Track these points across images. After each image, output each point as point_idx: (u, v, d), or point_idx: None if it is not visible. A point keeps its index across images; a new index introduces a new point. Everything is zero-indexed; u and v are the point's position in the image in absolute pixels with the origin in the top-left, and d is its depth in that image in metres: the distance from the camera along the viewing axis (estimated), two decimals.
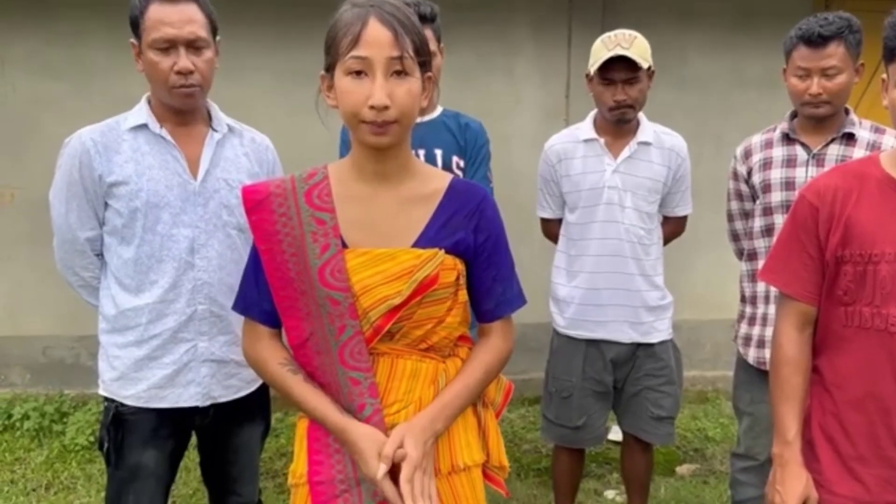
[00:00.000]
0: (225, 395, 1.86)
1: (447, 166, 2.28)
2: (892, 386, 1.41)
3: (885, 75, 1.46)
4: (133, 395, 1.78)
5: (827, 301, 1.53)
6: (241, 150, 1.87)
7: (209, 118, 1.86)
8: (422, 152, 2.26)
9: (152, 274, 1.75)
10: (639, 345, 2.46)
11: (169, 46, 1.67)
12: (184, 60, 1.67)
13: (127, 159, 1.73)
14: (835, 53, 2.07)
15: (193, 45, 1.69)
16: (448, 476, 1.41)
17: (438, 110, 2.37)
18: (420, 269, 1.32)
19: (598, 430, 2.56)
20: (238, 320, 1.80)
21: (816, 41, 2.07)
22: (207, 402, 1.83)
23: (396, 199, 1.37)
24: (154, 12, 1.66)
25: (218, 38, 1.80)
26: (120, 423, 1.79)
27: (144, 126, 1.76)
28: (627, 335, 2.44)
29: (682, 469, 3.29)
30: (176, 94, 1.71)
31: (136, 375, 1.78)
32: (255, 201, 1.36)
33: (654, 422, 2.50)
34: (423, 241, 1.35)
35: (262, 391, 1.95)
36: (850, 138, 2.16)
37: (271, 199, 1.35)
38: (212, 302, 1.79)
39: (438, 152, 2.29)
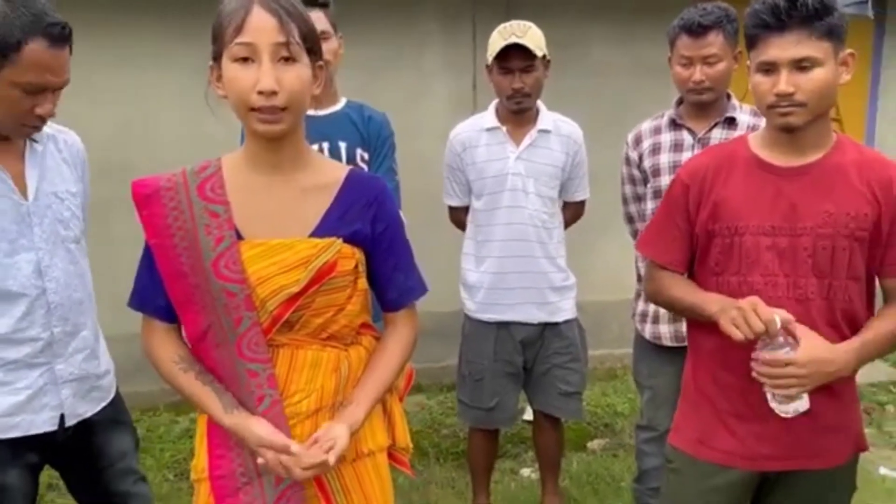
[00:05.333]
0: (90, 409, 1.77)
1: (351, 159, 2.30)
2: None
3: (748, 61, 1.58)
4: None
5: (701, 272, 1.65)
6: (60, 157, 1.75)
7: None
8: (325, 145, 2.27)
9: (2, 304, 1.61)
10: (546, 325, 2.55)
11: (40, 91, 1.54)
12: (50, 105, 1.57)
13: None
14: (714, 42, 2.20)
15: (59, 89, 1.58)
16: (353, 462, 1.44)
17: (342, 102, 2.37)
18: (317, 257, 1.33)
19: (510, 410, 2.65)
20: (92, 333, 1.77)
21: (697, 30, 2.20)
22: (73, 421, 1.73)
23: (293, 190, 1.37)
24: (37, 53, 1.49)
25: None
26: None
27: None
28: (535, 316, 2.54)
29: (594, 444, 3.43)
30: (23, 131, 1.61)
31: None
32: (144, 196, 1.34)
33: (563, 398, 2.60)
34: (321, 232, 1.36)
35: (118, 396, 1.88)
36: (731, 122, 2.30)
37: (161, 194, 1.34)
38: (65, 322, 1.69)
39: (342, 145, 2.30)
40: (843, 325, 1.55)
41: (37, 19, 1.48)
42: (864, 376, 3.95)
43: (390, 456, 1.55)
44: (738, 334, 1.46)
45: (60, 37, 1.52)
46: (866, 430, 3.56)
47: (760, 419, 1.58)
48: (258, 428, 1.32)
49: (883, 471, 3.19)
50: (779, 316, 1.45)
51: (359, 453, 1.45)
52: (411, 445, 1.60)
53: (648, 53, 3.91)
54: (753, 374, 1.50)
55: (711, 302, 1.56)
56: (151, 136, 3.65)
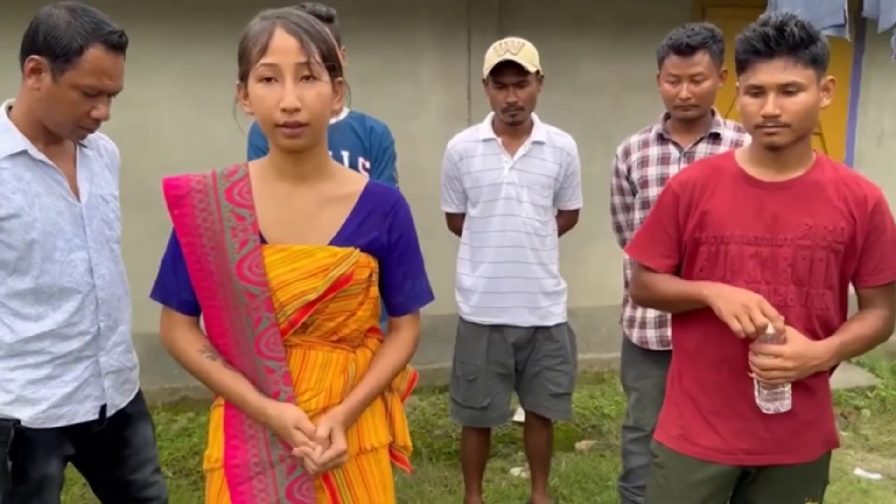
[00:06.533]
0: (124, 401, 1.87)
1: (353, 167, 2.39)
2: (741, 350, 1.63)
3: (738, 83, 1.69)
4: (30, 417, 1.71)
5: (687, 277, 1.76)
6: (102, 163, 1.86)
7: None
8: (329, 154, 2.36)
9: (55, 301, 1.70)
10: (537, 328, 2.66)
11: (98, 94, 1.65)
12: (105, 109, 1.68)
13: (14, 190, 1.63)
14: (701, 61, 2.31)
15: (113, 94, 1.70)
16: (356, 457, 1.52)
17: (345, 112, 2.45)
18: (336, 266, 1.41)
19: (502, 409, 2.74)
20: (128, 328, 1.86)
21: (685, 50, 2.31)
22: (112, 412, 1.82)
23: (315, 199, 1.45)
24: (97, 57, 1.61)
25: None
26: (22, 442, 1.70)
27: (23, 152, 1.66)
28: (527, 319, 2.64)
29: (582, 445, 3.54)
30: (78, 133, 1.71)
31: (33, 397, 1.71)
32: (177, 196, 1.42)
33: (553, 399, 2.71)
34: (340, 240, 1.45)
35: (140, 389, 1.96)
36: (716, 137, 2.42)
37: (192, 195, 1.42)
38: (108, 317, 1.79)
39: (345, 154, 2.40)
40: (819, 330, 1.67)
41: (97, 27, 1.60)
42: (842, 381, 4.14)
43: (391, 454, 1.63)
44: (736, 325, 1.55)
45: (118, 44, 1.64)
46: (844, 434, 3.74)
47: (740, 417, 1.69)
48: (294, 409, 1.41)
49: (858, 472, 3.32)
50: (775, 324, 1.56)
51: (362, 449, 1.53)
52: (411, 445, 1.68)
53: (636, 69, 4.03)
54: (749, 362, 1.60)
55: (703, 286, 1.66)
56: (156, 138, 3.73)
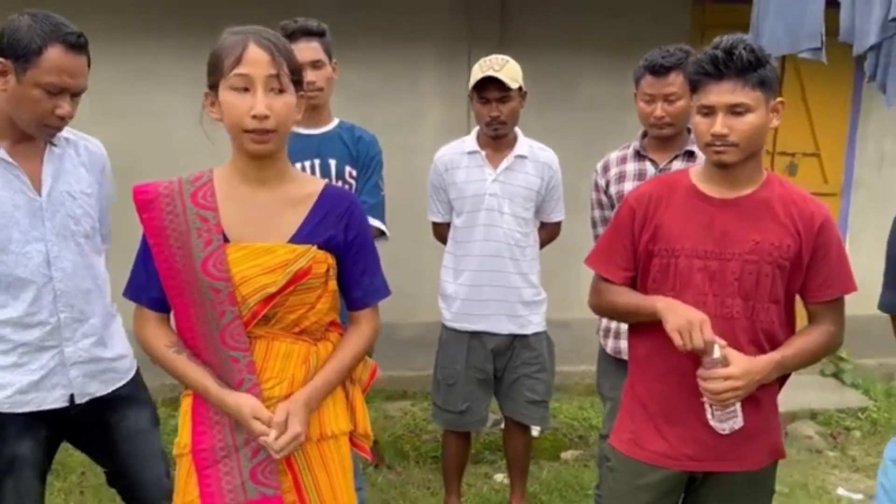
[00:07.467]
0: (102, 389, 1.92)
1: (340, 175, 2.49)
2: (687, 361, 1.70)
3: (691, 102, 1.77)
4: None
5: (641, 289, 1.83)
6: (78, 161, 1.93)
7: None
8: (317, 161, 2.47)
9: (13, 290, 1.78)
10: (515, 336, 2.74)
11: (60, 92, 1.73)
12: (68, 107, 1.76)
13: None
14: (675, 82, 2.39)
15: (77, 94, 1.77)
16: (317, 443, 1.62)
17: (334, 122, 2.56)
18: (294, 262, 1.52)
19: (479, 414, 2.83)
20: (101, 321, 1.94)
21: (659, 71, 2.39)
22: (83, 400, 1.88)
23: (275, 201, 1.57)
24: (56, 56, 1.70)
25: None
26: None
27: None
28: (506, 327, 2.72)
29: (567, 454, 3.60)
30: (45, 131, 1.79)
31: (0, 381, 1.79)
32: (146, 201, 1.54)
33: (530, 405, 2.78)
34: (299, 238, 1.56)
35: (137, 378, 2.04)
36: (691, 155, 2.49)
37: (160, 199, 1.54)
38: (71, 309, 1.85)
39: (332, 162, 2.49)
40: (764, 343, 1.73)
41: (56, 28, 1.71)
42: (834, 402, 4.15)
43: (352, 442, 1.72)
44: (678, 340, 1.63)
45: (77, 44, 1.73)
46: (831, 454, 3.75)
47: (686, 424, 1.75)
48: (251, 399, 1.52)
49: (841, 491, 3.34)
50: (717, 345, 1.63)
51: (322, 435, 1.63)
52: (372, 434, 1.77)
53: (632, 88, 4.11)
54: (700, 388, 1.67)
55: (657, 299, 1.74)
56: (162, 145, 3.89)
